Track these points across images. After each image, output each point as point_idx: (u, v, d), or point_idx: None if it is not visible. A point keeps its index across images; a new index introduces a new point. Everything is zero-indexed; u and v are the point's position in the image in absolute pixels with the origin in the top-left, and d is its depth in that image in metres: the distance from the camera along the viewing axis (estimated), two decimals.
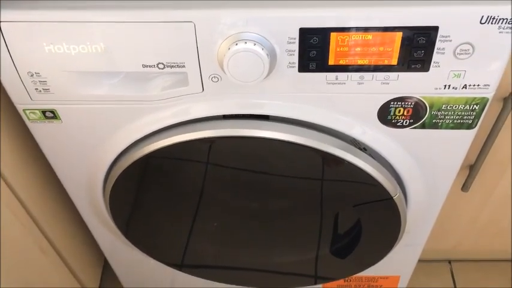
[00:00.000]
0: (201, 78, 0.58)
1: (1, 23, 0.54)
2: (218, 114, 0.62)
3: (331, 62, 0.55)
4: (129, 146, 0.68)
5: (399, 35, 0.53)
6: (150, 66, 0.57)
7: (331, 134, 0.63)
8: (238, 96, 0.60)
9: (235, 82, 0.55)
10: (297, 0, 0.52)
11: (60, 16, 0.53)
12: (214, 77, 0.58)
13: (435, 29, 0.52)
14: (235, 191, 0.77)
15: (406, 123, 0.62)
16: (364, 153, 0.64)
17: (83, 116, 0.64)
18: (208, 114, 0.62)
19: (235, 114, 0.62)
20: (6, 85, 0.61)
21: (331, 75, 0.57)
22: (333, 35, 0.53)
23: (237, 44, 0.53)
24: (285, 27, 0.53)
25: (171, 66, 0.57)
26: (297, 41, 0.54)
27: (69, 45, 0.55)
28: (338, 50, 0.54)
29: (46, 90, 0.60)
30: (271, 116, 0.62)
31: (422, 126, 0.62)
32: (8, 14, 0.54)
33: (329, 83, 0.57)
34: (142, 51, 0.56)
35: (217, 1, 0.53)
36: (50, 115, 0.64)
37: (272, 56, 0.54)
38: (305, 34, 0.53)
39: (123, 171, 0.70)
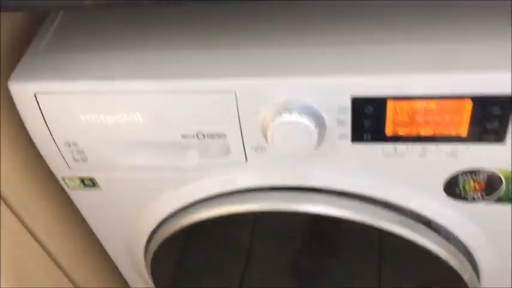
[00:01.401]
0: (244, 148, 0.53)
1: (37, 94, 0.52)
2: (264, 186, 0.57)
3: (388, 132, 0.49)
4: (171, 214, 0.64)
5: (468, 103, 0.46)
6: (189, 136, 0.53)
7: (388, 207, 0.56)
8: (285, 167, 0.55)
9: (281, 154, 0.50)
10: (348, 64, 0.47)
11: (96, 87, 0.51)
12: (259, 147, 0.53)
13: (510, 97, 0.45)
14: (283, 264, 0.71)
15: (477, 197, 0.54)
16: (428, 230, 0.56)
17: (123, 184, 0.61)
18: (253, 185, 0.57)
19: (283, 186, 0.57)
20: (44, 154, 0.59)
21: (388, 147, 0.50)
22: (390, 103, 0.47)
23: (281, 115, 0.48)
24: (335, 96, 0.47)
25: (212, 137, 0.53)
26: (349, 110, 0.48)
27: (105, 116, 0.53)
28: (396, 119, 0.48)
29: (84, 159, 0.58)
30: (322, 188, 0.56)
31: (498, 201, 0.54)
32: (43, 85, 0.52)
33: (386, 155, 0.51)
34: (181, 121, 0.52)
35: (260, 69, 0.48)
36: (89, 183, 0.62)
37: (321, 126, 0.49)
38: (358, 103, 0.47)
39: (165, 239, 0.65)
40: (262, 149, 0.53)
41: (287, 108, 0.48)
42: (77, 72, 0.51)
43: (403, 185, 0.54)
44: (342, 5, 0.53)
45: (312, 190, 0.56)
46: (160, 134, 0.53)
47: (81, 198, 0.65)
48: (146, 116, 0.52)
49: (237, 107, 0.49)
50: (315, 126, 0.48)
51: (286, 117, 0.47)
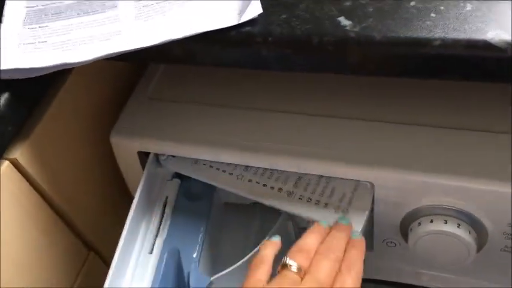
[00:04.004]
0: (372, 239, 0.44)
1: (140, 153, 0.46)
2: (392, 280, 0.48)
3: None
4: None
5: None
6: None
7: None
8: (420, 266, 0.45)
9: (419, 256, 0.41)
10: None
11: (219, 155, 0.43)
12: (391, 242, 0.43)
13: None
14: None
15: None
16: None
17: None
18: (382, 278, 0.48)
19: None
20: None
21: None
22: None
23: (432, 221, 0.38)
24: (508, 207, 0.36)
25: None
26: None
27: None
28: None
29: None
30: None
31: None
32: (147, 144, 0.45)
33: None
34: None
35: (409, 160, 0.38)
36: None
37: (481, 239, 0.38)
38: None
39: None
40: (395, 244, 0.43)
41: (440, 213, 0.38)
42: (192, 132, 0.44)
43: None
44: None
45: None
46: None
47: None
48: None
49: (373, 200, 0.40)
50: (474, 240, 0.37)
51: (439, 225, 0.37)
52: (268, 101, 0.45)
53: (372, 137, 0.41)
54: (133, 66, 0.54)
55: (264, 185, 0.42)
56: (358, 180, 0.40)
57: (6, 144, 0.38)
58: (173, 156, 0.46)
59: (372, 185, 0.39)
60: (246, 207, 0.48)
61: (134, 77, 0.51)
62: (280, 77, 0.46)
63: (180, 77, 0.50)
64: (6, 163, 0.39)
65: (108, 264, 0.57)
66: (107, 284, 0.38)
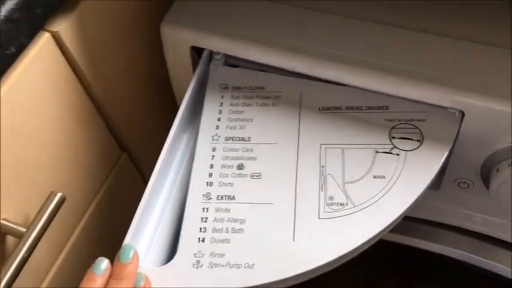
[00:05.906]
0: (442, 177, 0.39)
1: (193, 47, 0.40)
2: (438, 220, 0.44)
3: None
4: None
5: None
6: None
7: None
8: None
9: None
10: None
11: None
12: (464, 182, 0.39)
13: None
14: None
15: None
16: None
17: None
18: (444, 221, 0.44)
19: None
20: None
21: None
22: None
23: None
24: None
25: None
26: None
27: None
28: None
29: None
30: None
31: None
32: (203, 39, 0.40)
33: None
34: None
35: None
36: None
37: None
38: None
39: None
40: (468, 185, 0.39)
41: None
42: (258, 32, 0.38)
43: None
44: None
45: None
46: None
47: None
48: None
49: (459, 129, 0.35)
50: None
51: None
52: (348, 6, 0.39)
53: (464, 57, 0.35)
54: None
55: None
56: (445, 107, 0.34)
57: (49, 14, 0.33)
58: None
59: (462, 114, 0.34)
60: None
61: None
62: None
63: None
64: (47, 35, 0.34)
65: (139, 169, 0.54)
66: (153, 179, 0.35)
